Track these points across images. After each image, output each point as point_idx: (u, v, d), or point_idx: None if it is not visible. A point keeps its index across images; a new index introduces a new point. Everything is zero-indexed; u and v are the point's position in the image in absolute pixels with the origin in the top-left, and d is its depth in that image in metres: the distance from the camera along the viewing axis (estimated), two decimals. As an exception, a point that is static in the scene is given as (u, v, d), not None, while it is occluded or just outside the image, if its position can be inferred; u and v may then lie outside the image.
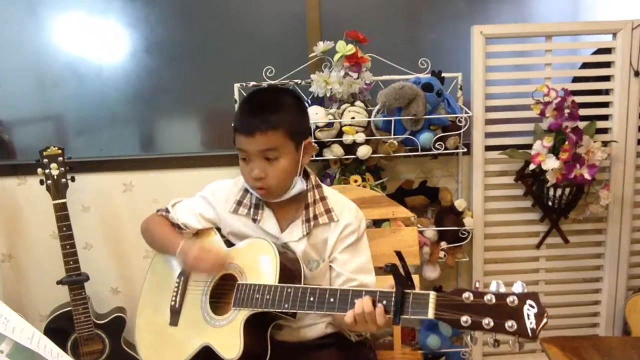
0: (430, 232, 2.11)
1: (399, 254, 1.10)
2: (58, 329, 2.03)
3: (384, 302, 1.10)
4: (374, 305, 1.11)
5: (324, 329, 1.38)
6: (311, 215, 1.36)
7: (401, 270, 1.08)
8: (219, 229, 1.44)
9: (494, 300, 0.97)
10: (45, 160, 1.93)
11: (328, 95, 2.03)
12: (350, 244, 1.36)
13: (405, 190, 2.21)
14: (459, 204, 2.15)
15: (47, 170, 1.93)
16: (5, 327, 0.85)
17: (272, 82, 2.09)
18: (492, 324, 0.96)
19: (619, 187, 2.23)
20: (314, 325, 1.38)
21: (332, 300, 1.17)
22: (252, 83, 2.10)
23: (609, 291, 2.31)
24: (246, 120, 1.27)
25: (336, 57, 2.00)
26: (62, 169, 1.94)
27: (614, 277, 2.30)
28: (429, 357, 2.23)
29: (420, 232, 2.06)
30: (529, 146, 2.09)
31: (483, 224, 2.25)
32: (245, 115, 1.29)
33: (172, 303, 1.38)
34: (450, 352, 2.21)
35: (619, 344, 1.91)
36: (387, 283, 1.12)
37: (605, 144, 2.12)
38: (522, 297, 0.96)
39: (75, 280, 1.95)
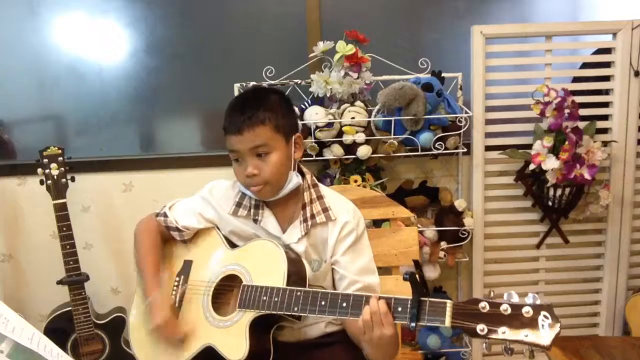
0: (430, 232, 2.11)
1: (416, 262, 1.14)
2: (58, 329, 2.03)
3: (399, 308, 1.12)
4: (389, 307, 1.12)
5: (323, 329, 1.38)
6: (308, 214, 1.35)
7: (417, 278, 1.10)
8: (219, 228, 1.44)
9: (509, 311, 1.01)
10: (45, 160, 1.94)
11: (328, 95, 2.03)
12: (350, 245, 1.35)
13: (405, 190, 2.21)
14: (459, 204, 2.15)
15: (47, 170, 1.93)
16: (5, 327, 0.84)
17: (272, 82, 2.09)
18: (507, 332, 1.00)
19: (619, 187, 2.23)
20: (315, 325, 1.38)
21: (344, 305, 1.17)
22: (252, 83, 2.10)
23: (609, 291, 2.31)
24: (233, 119, 1.29)
25: (336, 57, 2.00)
26: (62, 169, 1.94)
27: (614, 277, 2.30)
28: (429, 357, 2.23)
29: (420, 232, 2.06)
30: (529, 146, 2.09)
31: (483, 224, 2.25)
32: (232, 115, 1.30)
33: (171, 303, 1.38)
34: (450, 352, 2.21)
35: (619, 344, 1.91)
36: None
37: (605, 144, 2.12)
38: (537, 308, 1.00)
39: (75, 280, 1.95)
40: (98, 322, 2.04)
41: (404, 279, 1.09)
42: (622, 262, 2.29)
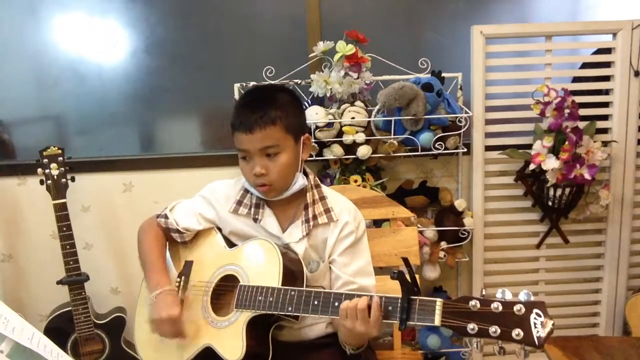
0: (430, 232, 2.11)
1: (405, 260, 1.12)
2: (58, 329, 2.03)
3: (389, 307, 1.11)
4: (369, 307, 1.11)
5: (324, 329, 1.39)
6: (310, 215, 1.35)
7: (407, 276, 1.09)
8: (219, 229, 1.44)
9: (500, 309, 0.98)
10: (45, 160, 1.93)
11: (328, 95, 2.03)
12: (349, 245, 1.35)
13: (405, 190, 2.21)
14: (459, 204, 2.15)
15: (47, 170, 1.93)
16: (5, 327, 0.84)
17: (272, 82, 2.08)
18: (498, 331, 0.97)
19: (619, 187, 2.22)
20: (315, 325, 1.38)
21: (336, 304, 1.17)
22: (252, 83, 2.10)
23: (609, 291, 2.31)
24: (244, 118, 1.27)
25: (336, 57, 2.00)
26: (62, 169, 1.94)
27: (614, 277, 2.30)
28: (429, 357, 2.23)
29: (420, 232, 2.06)
30: (529, 146, 2.09)
31: (483, 224, 2.25)
32: (242, 113, 1.29)
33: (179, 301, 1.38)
34: (450, 352, 2.21)
35: (619, 344, 1.91)
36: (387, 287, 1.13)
37: (605, 144, 2.12)
38: (529, 306, 0.96)
39: (75, 280, 1.95)
40: (98, 322, 2.04)
41: (392, 278, 1.07)
42: (622, 262, 2.29)
